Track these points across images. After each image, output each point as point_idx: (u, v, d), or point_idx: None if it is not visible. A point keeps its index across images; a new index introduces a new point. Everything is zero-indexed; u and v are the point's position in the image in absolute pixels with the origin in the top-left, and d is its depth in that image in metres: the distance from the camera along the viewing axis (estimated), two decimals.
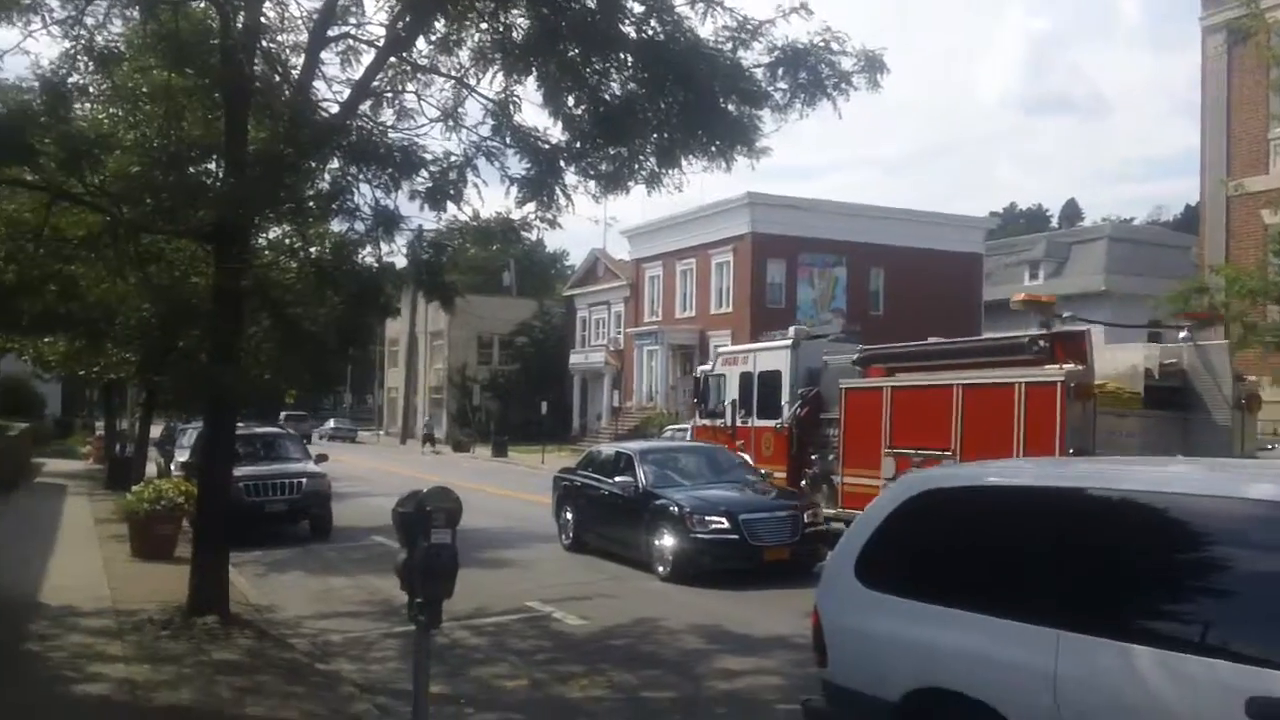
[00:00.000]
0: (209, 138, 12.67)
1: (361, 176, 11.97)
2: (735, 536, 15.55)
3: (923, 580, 6.34)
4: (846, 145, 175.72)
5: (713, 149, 11.72)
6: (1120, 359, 17.40)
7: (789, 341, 22.33)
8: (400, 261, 13.89)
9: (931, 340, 19.86)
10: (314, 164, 11.97)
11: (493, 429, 62.13)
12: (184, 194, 11.84)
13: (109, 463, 32.04)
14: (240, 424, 15.39)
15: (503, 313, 73.02)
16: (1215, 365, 16.55)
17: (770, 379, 22.32)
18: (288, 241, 15.34)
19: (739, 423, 22.98)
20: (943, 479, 6.82)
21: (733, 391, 23.35)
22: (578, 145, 11.99)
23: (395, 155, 11.78)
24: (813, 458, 20.66)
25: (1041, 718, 5.46)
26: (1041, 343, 16.34)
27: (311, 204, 12.63)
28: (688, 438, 24.97)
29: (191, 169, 12.76)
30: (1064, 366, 15.67)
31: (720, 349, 27.73)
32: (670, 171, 12.20)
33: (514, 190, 12.03)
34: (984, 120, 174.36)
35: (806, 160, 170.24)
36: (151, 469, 29.78)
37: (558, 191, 12.04)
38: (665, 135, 11.79)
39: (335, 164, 12.28)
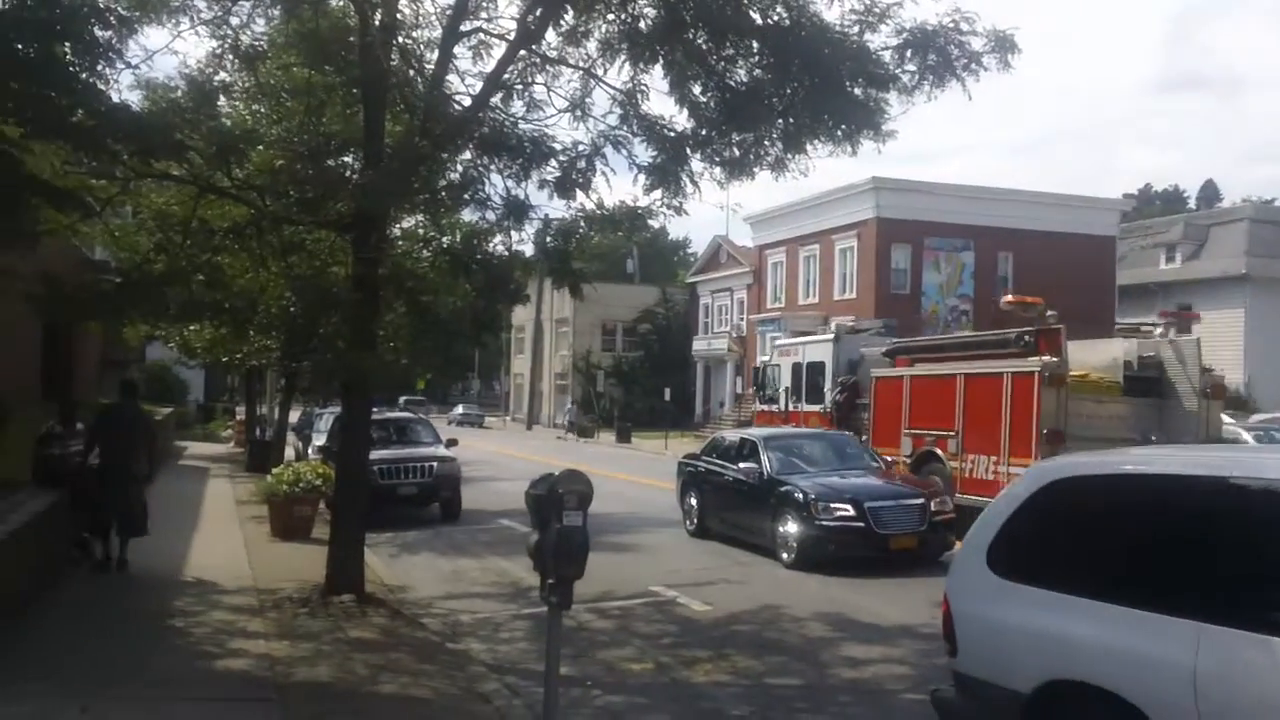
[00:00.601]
0: (348, 132, 12.98)
1: (493, 167, 12.13)
2: (861, 524, 15.45)
3: (1056, 569, 6.22)
4: (973, 127, 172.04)
5: (838, 133, 11.64)
6: (1104, 352, 20.07)
7: (832, 336, 25.90)
8: (529, 249, 14.07)
9: (943, 336, 23.52)
10: (447, 156, 12.15)
11: (616, 415, 62.53)
12: (324, 186, 12.12)
13: (249, 446, 32.99)
14: (374, 409, 15.70)
15: (626, 300, 73.39)
16: (1187, 358, 19.02)
17: (816, 369, 25.62)
18: (422, 231, 15.57)
19: (791, 407, 26.09)
20: (1077, 467, 6.69)
21: (786, 380, 26.73)
22: (703, 132, 12.00)
23: (525, 146, 11.90)
24: None
25: (1180, 713, 5.33)
26: (1027, 338, 18.89)
27: (444, 194, 12.82)
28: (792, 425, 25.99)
29: (331, 162, 13.05)
30: (1042, 359, 18.10)
31: (777, 341, 30.44)
32: (795, 157, 12.17)
33: (640, 178, 12.12)
34: (1117, 99, 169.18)
35: (932, 143, 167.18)
36: (290, 453, 30.56)
37: (683, 178, 12.07)
38: (791, 120, 11.74)
39: (467, 155, 12.46)
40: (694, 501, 19.11)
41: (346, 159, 13.53)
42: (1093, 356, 20.02)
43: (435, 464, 21.47)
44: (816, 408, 24.93)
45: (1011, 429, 18.24)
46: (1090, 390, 18.79)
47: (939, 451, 19.86)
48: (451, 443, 23.51)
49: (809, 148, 11.91)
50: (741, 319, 61.51)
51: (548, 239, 13.38)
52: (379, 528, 18.42)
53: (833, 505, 15.65)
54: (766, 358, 28.57)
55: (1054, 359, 18.09)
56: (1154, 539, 5.82)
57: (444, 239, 14.70)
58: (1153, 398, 19.16)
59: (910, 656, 10.62)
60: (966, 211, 50.19)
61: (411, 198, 12.59)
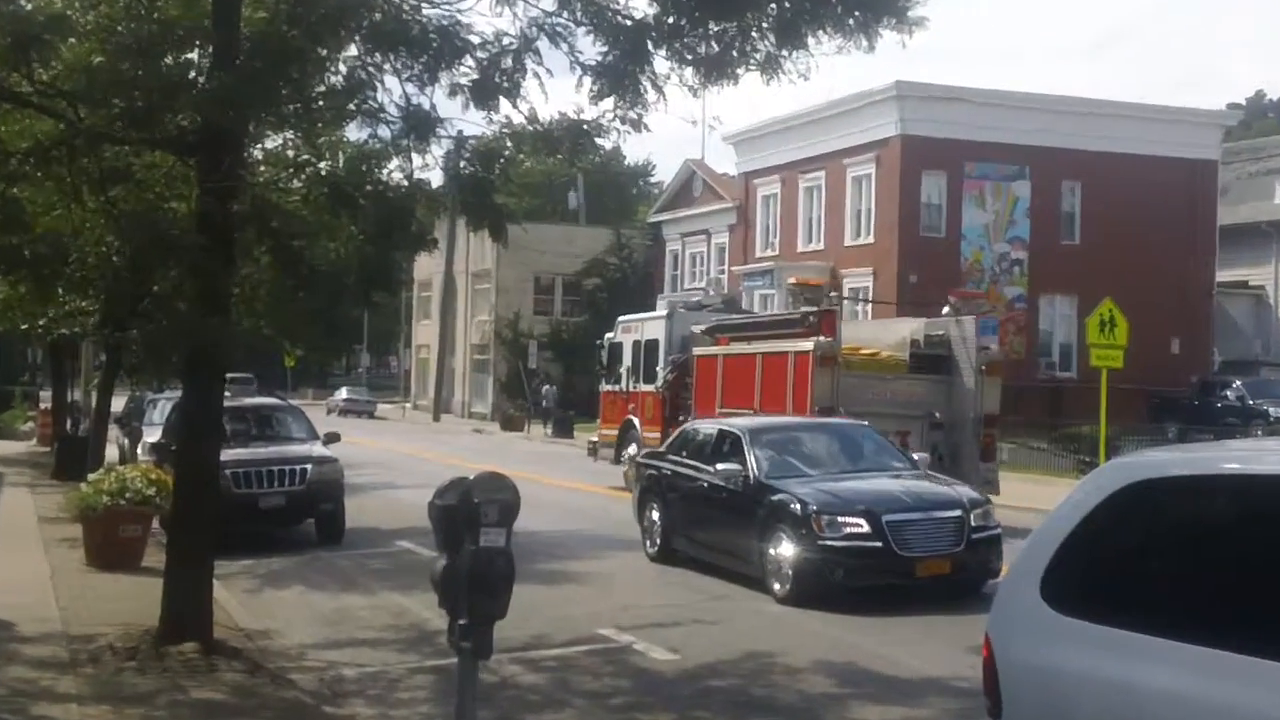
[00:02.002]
0: (190, 18, 12.64)
1: (387, 67, 12.09)
2: (878, 543, 15.63)
3: (1134, 602, 6.15)
4: (1031, 20, 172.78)
5: (850, 21, 11.64)
6: (895, 330, 26.88)
7: (665, 313, 32.76)
8: (437, 178, 14.33)
9: (753, 315, 33.77)
10: (325, 52, 12.02)
11: (553, 400, 62.52)
12: (159, 92, 11.95)
13: (58, 444, 32.79)
14: (227, 394, 15.60)
15: (568, 246, 73.45)
16: (968, 336, 24.80)
17: (652, 347, 32.02)
18: (291, 154, 15.40)
19: (631, 388, 32.61)
20: (1161, 466, 6.60)
21: (628, 359, 33.13)
22: (670, 20, 11.99)
23: (431, 38, 11.85)
24: (680, 419, 27.29)
25: None
26: (811, 318, 25.09)
27: (322, 104, 12.75)
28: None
29: (169, 60, 12.82)
30: (817, 338, 24.03)
31: (620, 318, 36.40)
32: (793, 53, 12.17)
33: (587, 82, 12.13)
34: None
35: (976, 40, 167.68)
36: (113, 452, 30.38)
37: (644, 82, 12.12)
38: (787, 4, 11.73)
39: (353, 51, 12.37)
40: (656, 515, 19.32)
41: (190, 56, 13.29)
42: (887, 335, 26.77)
43: (310, 467, 21.40)
44: (650, 387, 31.54)
45: (794, 407, 23.84)
46: (875, 368, 25.04)
47: None
48: (332, 438, 23.56)
49: (810, 40, 11.93)
50: (722, 271, 61.43)
51: (461, 164, 13.34)
52: (234, 553, 18.28)
53: (841, 519, 15.79)
54: (611, 334, 35.01)
55: (828, 339, 23.99)
56: (1271, 562, 5.71)
57: (321, 164, 14.61)
58: (941, 375, 25.09)
59: (941, 718, 10.68)
60: (1020, 128, 49.99)
61: (277, 108, 12.44)
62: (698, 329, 30.41)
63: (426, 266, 77.30)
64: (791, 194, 56.52)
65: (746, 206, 60.20)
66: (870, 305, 45.11)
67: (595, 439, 35.83)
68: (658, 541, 19.21)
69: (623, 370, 33.36)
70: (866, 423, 20.06)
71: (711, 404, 27.08)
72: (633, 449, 30.19)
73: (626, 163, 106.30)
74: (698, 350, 29.17)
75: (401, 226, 13.41)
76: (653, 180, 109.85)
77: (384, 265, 14.55)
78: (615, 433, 32.98)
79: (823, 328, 24.42)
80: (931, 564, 15.70)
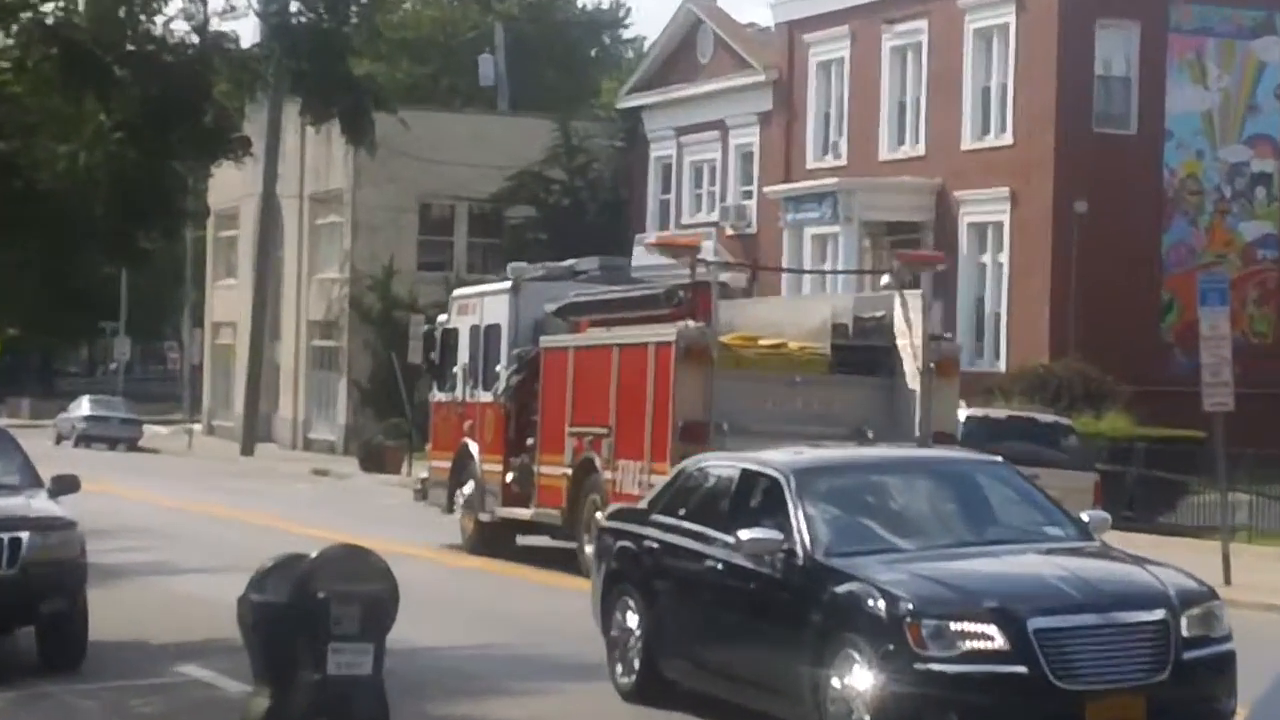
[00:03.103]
0: None
1: None
2: (1020, 667, 11.61)
3: None
4: None
5: None
6: (812, 311, 21.88)
7: (507, 285, 24.64)
8: (249, 31, 10.94)
9: (616, 288, 23.26)
10: None
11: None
12: None
13: None
14: None
15: (479, 150, 50.17)
16: (912, 320, 19.54)
17: (494, 336, 24.54)
18: None
19: (468, 397, 25.13)
20: None
21: (464, 353, 25.51)
22: None
23: None
24: (528, 442, 22.88)
25: None
26: (681, 294, 20.16)
27: None
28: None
29: None
30: (682, 324, 19.53)
31: (456, 292, 28.85)
32: None
33: None
34: None
35: None
36: None
37: None
38: None
39: None
40: (634, 620, 14.35)
41: None
42: (797, 317, 21.87)
43: (25, 538, 15.30)
44: (488, 396, 24.47)
45: (654, 421, 19.57)
46: (778, 366, 20.04)
47: (595, 458, 20.88)
48: (64, 486, 17.15)
49: None
50: (747, 194, 47.09)
51: (292, 3, 11.84)
52: None
53: (955, 625, 11.84)
54: (443, 316, 27.50)
55: (698, 324, 19.42)
56: None
57: (46, 7, 12.41)
58: (878, 376, 20.12)
59: None
60: None
61: None
62: (550, 308, 23.64)
63: (231, 187, 48.56)
64: (868, 59, 41.39)
65: (790, 81, 43.67)
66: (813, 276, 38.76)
67: (424, 474, 28.08)
68: (635, 665, 14.12)
69: (457, 370, 25.70)
70: (1000, 458, 15.69)
71: (559, 421, 22.03)
72: (469, 488, 24.17)
73: (580, 3, 73.90)
74: (546, 341, 23.08)
75: (186, 115, 11.53)
76: (626, 38, 76.38)
77: (155, 183, 12.16)
78: (448, 464, 25.46)
79: (702, 308, 19.88)
80: (1114, 703, 11.70)
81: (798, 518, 12.77)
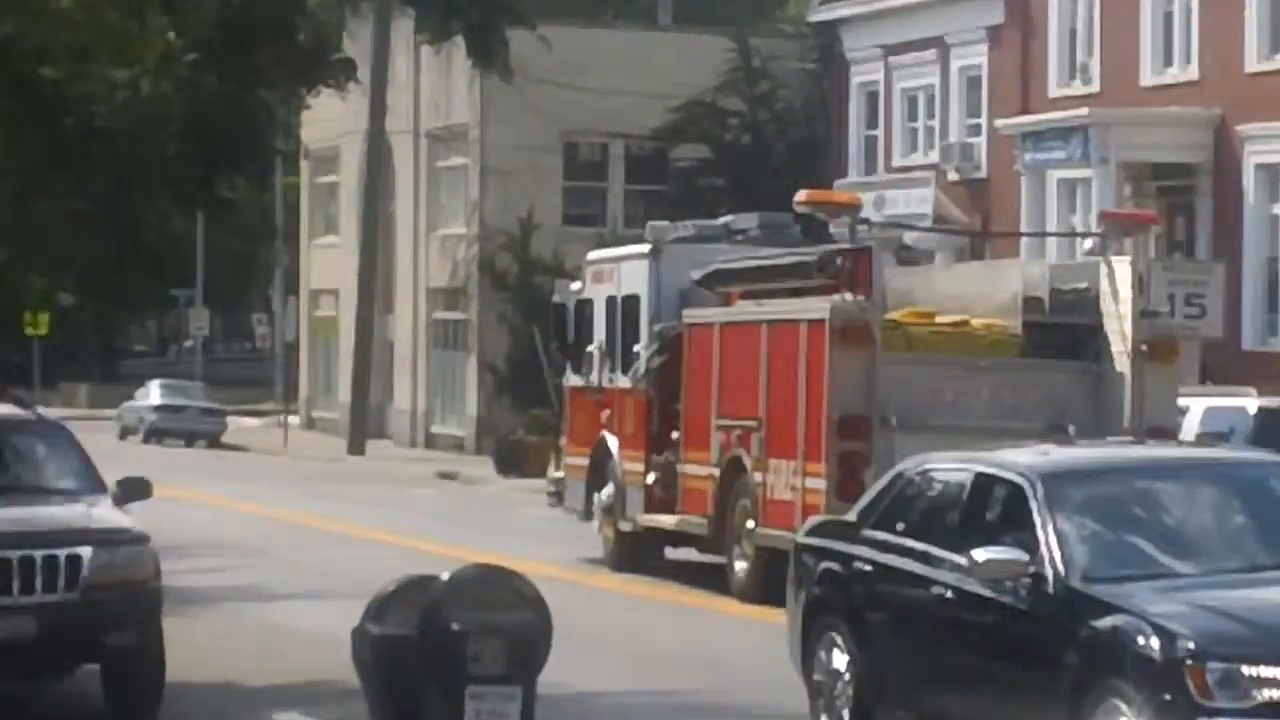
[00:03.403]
0: None
1: None
2: None
3: None
4: None
5: None
6: (1003, 281, 19.51)
7: (646, 248, 22.57)
8: None
9: (765, 252, 21.06)
10: None
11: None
12: None
13: None
14: None
15: (638, 76, 43.93)
16: (1119, 292, 17.77)
17: (632, 308, 22.43)
18: None
19: (605, 382, 23.06)
20: None
21: (600, 330, 23.32)
22: None
23: None
24: (673, 436, 21.27)
25: None
26: (840, 260, 18.22)
27: None
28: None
29: None
30: (837, 298, 17.89)
31: (591, 255, 26.11)
32: None
33: None
34: None
35: None
36: None
37: None
38: None
39: None
40: (842, 661, 12.85)
41: None
42: (983, 288, 19.71)
43: (87, 554, 13.50)
44: (626, 381, 22.31)
45: (808, 413, 18.10)
46: (959, 349, 18.21)
47: (744, 456, 19.34)
48: (133, 490, 15.26)
49: None
50: (974, 129, 40.47)
51: None
52: None
53: (1250, 670, 10.50)
54: (576, 285, 25.03)
55: (857, 297, 17.88)
56: None
57: None
58: (1080, 359, 18.45)
59: None
60: None
61: None
62: (696, 276, 21.47)
63: (330, 123, 44.74)
64: None
65: None
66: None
67: (559, 473, 25.21)
68: (845, 717, 12.56)
69: (593, 351, 23.30)
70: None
71: (704, 412, 20.30)
72: (608, 491, 22.11)
73: None
74: (690, 316, 20.99)
75: (275, 32, 10.47)
76: None
77: (238, 117, 11.14)
78: (586, 461, 23.39)
79: (860, 277, 17.94)
80: None
81: (1047, 534, 11.26)
